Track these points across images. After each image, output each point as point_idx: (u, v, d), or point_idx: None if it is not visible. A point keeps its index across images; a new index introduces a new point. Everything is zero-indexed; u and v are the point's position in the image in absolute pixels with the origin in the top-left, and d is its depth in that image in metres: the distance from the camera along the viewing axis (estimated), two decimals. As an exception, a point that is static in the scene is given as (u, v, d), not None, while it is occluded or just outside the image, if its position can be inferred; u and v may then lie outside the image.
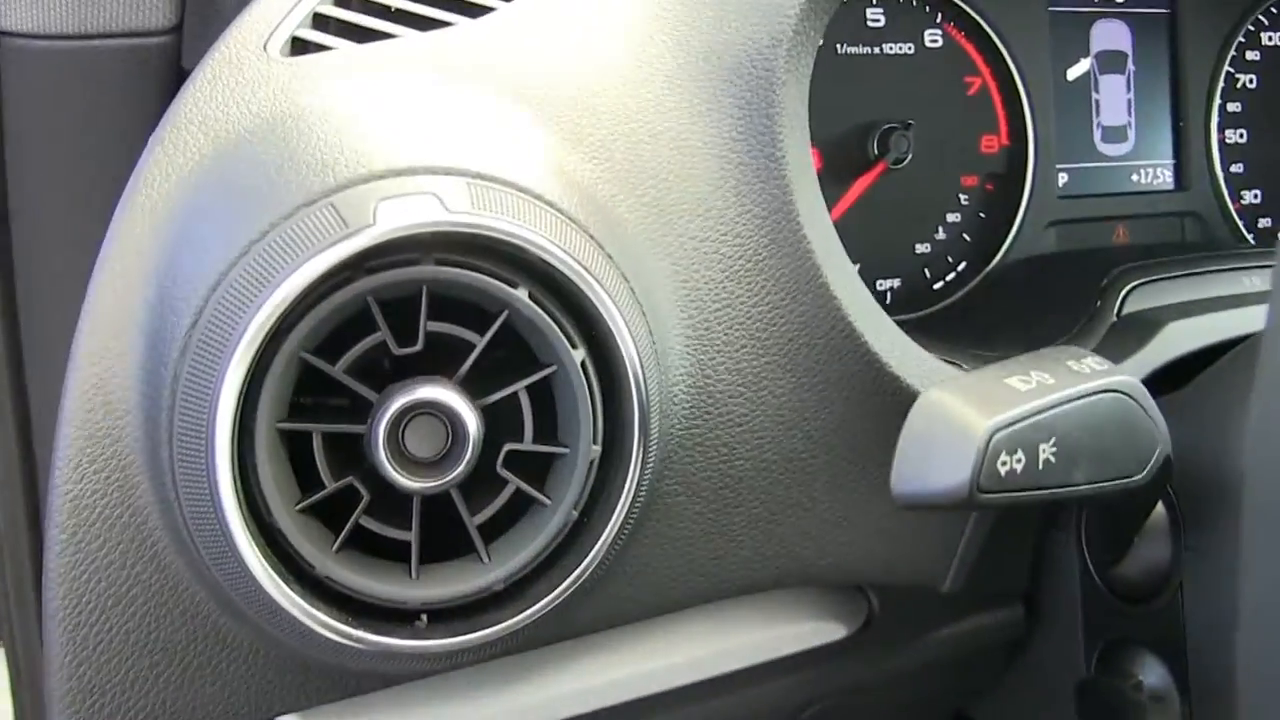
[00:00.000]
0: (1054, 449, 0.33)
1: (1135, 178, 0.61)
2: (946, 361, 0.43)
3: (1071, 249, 0.59)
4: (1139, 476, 0.35)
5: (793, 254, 0.38)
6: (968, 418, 0.32)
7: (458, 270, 0.31)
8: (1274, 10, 0.64)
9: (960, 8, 0.57)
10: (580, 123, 0.38)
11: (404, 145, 0.33)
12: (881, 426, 0.39)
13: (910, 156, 0.54)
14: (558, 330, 0.32)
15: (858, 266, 0.54)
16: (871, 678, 0.47)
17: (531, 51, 0.39)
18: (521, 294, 0.31)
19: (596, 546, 0.33)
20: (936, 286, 0.57)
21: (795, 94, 0.39)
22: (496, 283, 0.31)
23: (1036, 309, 0.53)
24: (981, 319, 0.56)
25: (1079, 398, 0.33)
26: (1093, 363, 0.35)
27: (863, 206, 0.55)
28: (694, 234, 0.38)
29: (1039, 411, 0.33)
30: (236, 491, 0.30)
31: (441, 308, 0.32)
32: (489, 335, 0.31)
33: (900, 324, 0.56)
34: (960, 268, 0.57)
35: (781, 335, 0.38)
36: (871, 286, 0.55)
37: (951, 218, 0.57)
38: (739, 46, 0.39)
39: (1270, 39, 0.64)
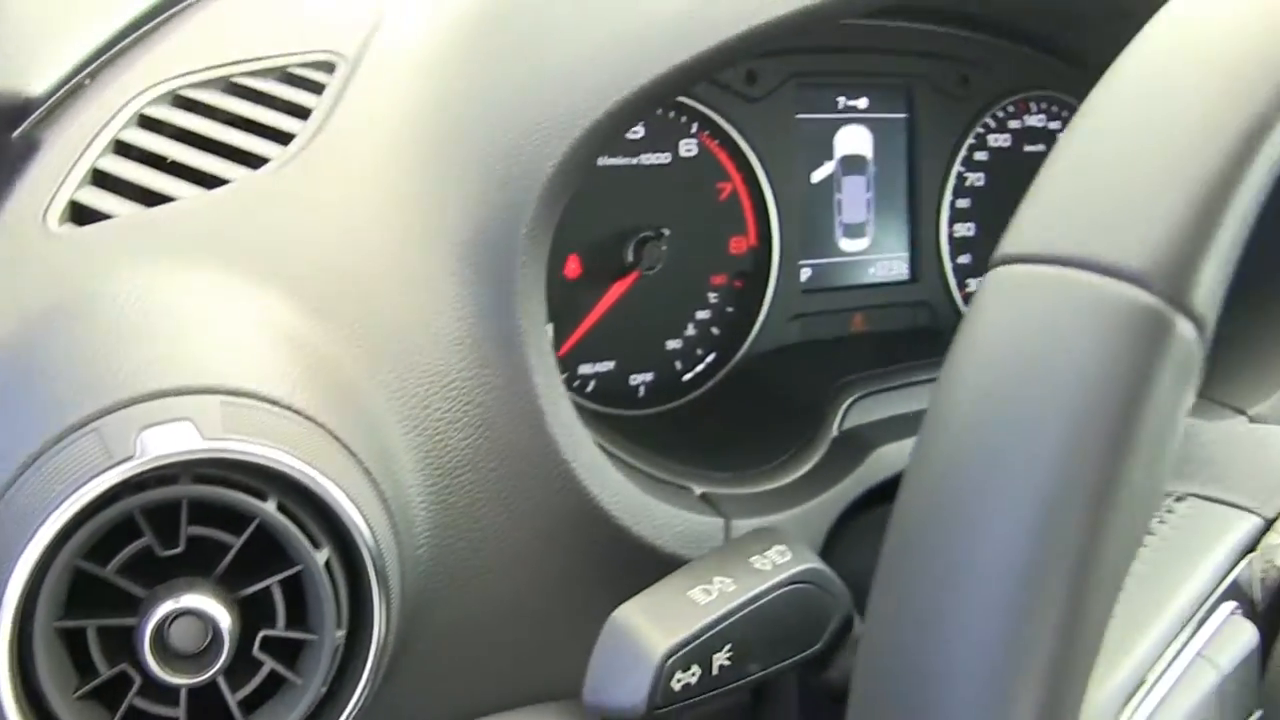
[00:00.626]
0: (728, 655, 0.38)
1: (873, 271, 0.67)
2: (679, 486, 0.48)
3: (814, 338, 0.64)
4: (816, 647, 0.40)
5: (530, 423, 0.42)
6: (647, 641, 0.37)
7: (212, 487, 0.34)
8: (999, 115, 0.70)
9: (713, 119, 0.61)
10: (331, 302, 0.41)
11: (165, 365, 0.36)
12: (611, 574, 0.44)
13: (661, 262, 0.59)
14: (301, 537, 0.35)
15: (613, 364, 0.59)
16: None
17: (289, 227, 0.42)
18: (270, 506, 0.34)
19: (344, 714, 0.37)
20: (686, 379, 0.61)
21: (534, 272, 0.43)
22: (247, 497, 0.34)
23: (773, 411, 0.58)
24: (727, 411, 0.60)
25: (758, 599, 0.38)
26: (775, 555, 0.40)
27: (618, 309, 0.59)
28: (438, 406, 0.41)
29: (716, 624, 0.37)
30: (15, 685, 0.33)
31: (203, 510, 0.35)
32: (243, 539, 0.35)
33: (653, 416, 0.61)
34: (709, 360, 0.62)
35: (518, 495, 0.42)
36: (625, 381, 0.59)
37: (701, 315, 0.62)
38: (483, 228, 0.43)
39: (997, 141, 0.70)
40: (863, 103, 0.65)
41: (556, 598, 0.44)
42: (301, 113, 0.46)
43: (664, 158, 0.60)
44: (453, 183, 0.44)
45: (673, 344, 0.61)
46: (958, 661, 0.26)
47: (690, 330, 0.61)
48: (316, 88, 0.47)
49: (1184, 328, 0.25)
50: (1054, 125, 0.71)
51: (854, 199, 0.66)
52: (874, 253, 0.67)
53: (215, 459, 0.34)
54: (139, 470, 0.33)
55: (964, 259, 0.69)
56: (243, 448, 0.34)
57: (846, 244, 0.66)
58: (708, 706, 0.38)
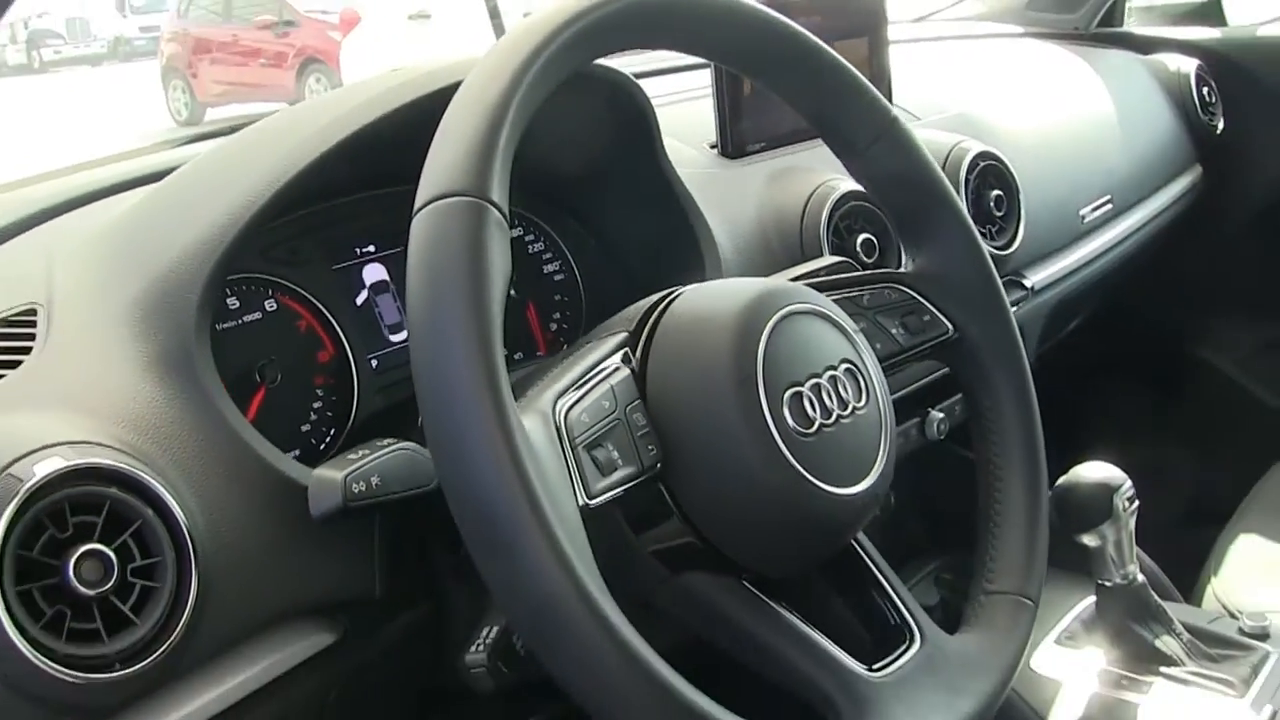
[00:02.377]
0: (378, 479, 0.70)
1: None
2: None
3: (394, 401, 0.96)
4: (430, 485, 0.72)
5: (227, 438, 0.74)
6: (330, 476, 0.70)
7: (81, 486, 0.65)
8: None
9: (278, 281, 0.93)
10: (92, 406, 0.72)
11: (36, 438, 0.66)
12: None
13: (280, 378, 0.90)
14: (138, 502, 0.66)
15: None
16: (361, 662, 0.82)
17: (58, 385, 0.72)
18: (114, 490, 0.66)
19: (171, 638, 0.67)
20: (321, 448, 0.92)
21: (204, 336, 0.77)
22: (100, 487, 0.65)
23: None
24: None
25: (391, 453, 0.71)
26: (404, 443, 0.73)
27: (263, 414, 0.89)
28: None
29: (367, 462, 0.71)
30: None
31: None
32: (104, 513, 0.65)
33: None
34: (332, 433, 0.93)
35: (230, 475, 0.74)
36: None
37: (316, 405, 0.93)
38: (163, 337, 0.76)
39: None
40: (371, 249, 1.00)
41: (278, 534, 0.74)
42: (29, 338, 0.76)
43: (258, 314, 0.91)
44: (136, 324, 0.77)
45: (305, 427, 0.92)
46: (458, 427, 0.61)
47: (313, 417, 0.92)
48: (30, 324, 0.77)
49: (492, 209, 0.61)
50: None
51: (388, 308, 0.99)
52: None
53: (79, 468, 0.63)
54: (39, 482, 0.62)
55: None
56: (93, 459, 0.63)
57: (393, 336, 0.99)
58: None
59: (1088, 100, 1.70)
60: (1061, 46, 1.88)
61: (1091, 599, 1.16)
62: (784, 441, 0.72)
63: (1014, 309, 1.31)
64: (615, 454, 0.70)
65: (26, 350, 0.76)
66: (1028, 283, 1.39)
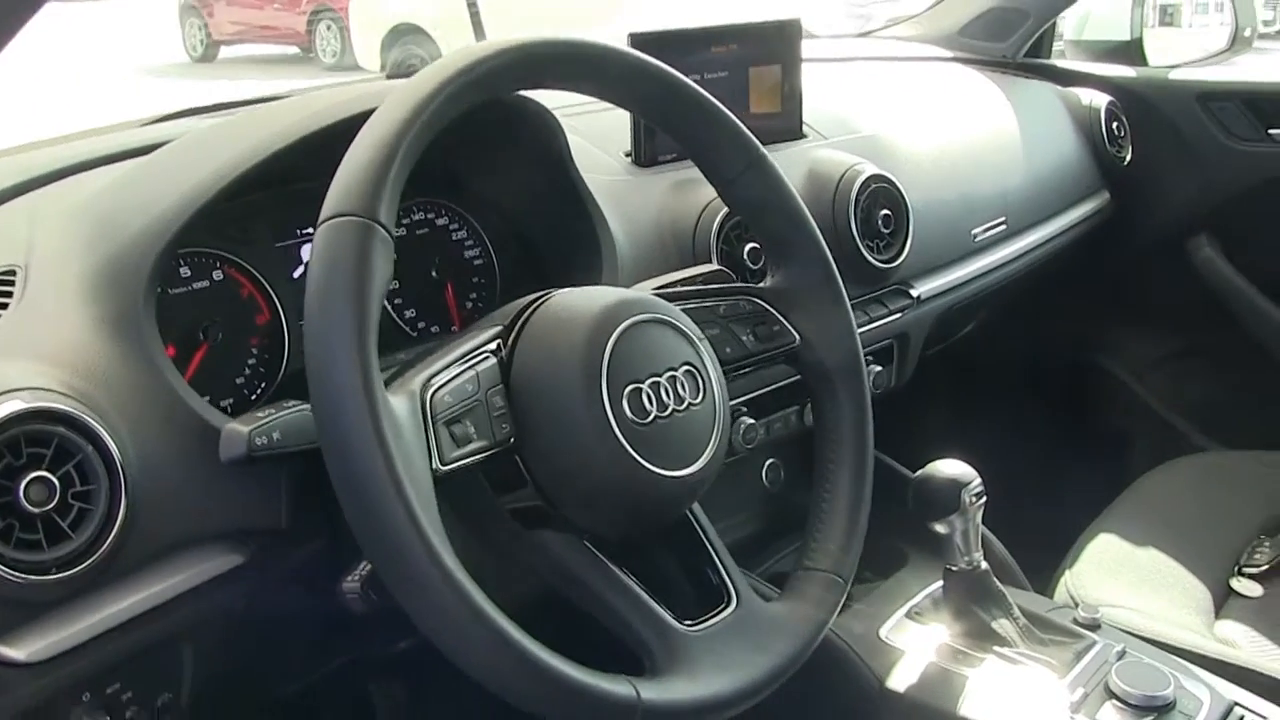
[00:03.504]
0: (279, 434, 0.85)
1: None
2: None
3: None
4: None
5: (163, 390, 0.89)
6: (238, 429, 0.84)
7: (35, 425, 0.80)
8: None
9: (226, 255, 1.07)
10: (54, 358, 0.87)
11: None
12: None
13: (221, 337, 1.05)
14: (77, 437, 0.81)
15: (208, 397, 1.04)
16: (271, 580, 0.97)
17: (27, 336, 0.87)
18: (61, 429, 0.81)
19: (100, 550, 0.82)
20: (252, 398, 1.07)
21: (151, 305, 0.91)
22: (49, 426, 0.80)
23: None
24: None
25: (292, 413, 0.86)
26: (304, 405, 0.87)
27: (203, 367, 1.04)
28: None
29: (271, 420, 0.85)
30: None
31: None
32: (52, 448, 0.80)
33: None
34: (262, 386, 1.08)
35: (159, 415, 0.89)
36: (218, 402, 1.04)
37: (250, 362, 1.07)
38: (118, 291, 0.90)
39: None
40: (310, 230, 1.12)
41: (199, 472, 0.89)
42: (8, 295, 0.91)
43: (206, 283, 1.06)
44: (95, 289, 0.91)
45: (239, 379, 1.06)
46: (334, 402, 0.76)
47: (247, 371, 1.07)
48: (10, 283, 0.92)
49: (378, 228, 0.77)
50: (429, 215, 1.23)
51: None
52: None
53: (35, 410, 0.78)
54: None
55: (397, 300, 1.19)
56: (46, 404, 0.79)
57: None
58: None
59: (998, 126, 1.85)
60: (985, 73, 2.02)
61: (940, 581, 1.31)
62: (620, 429, 0.87)
63: (900, 315, 1.49)
64: (471, 429, 0.85)
65: (4, 306, 0.91)
66: (914, 292, 1.53)
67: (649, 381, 0.90)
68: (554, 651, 0.80)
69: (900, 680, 1.24)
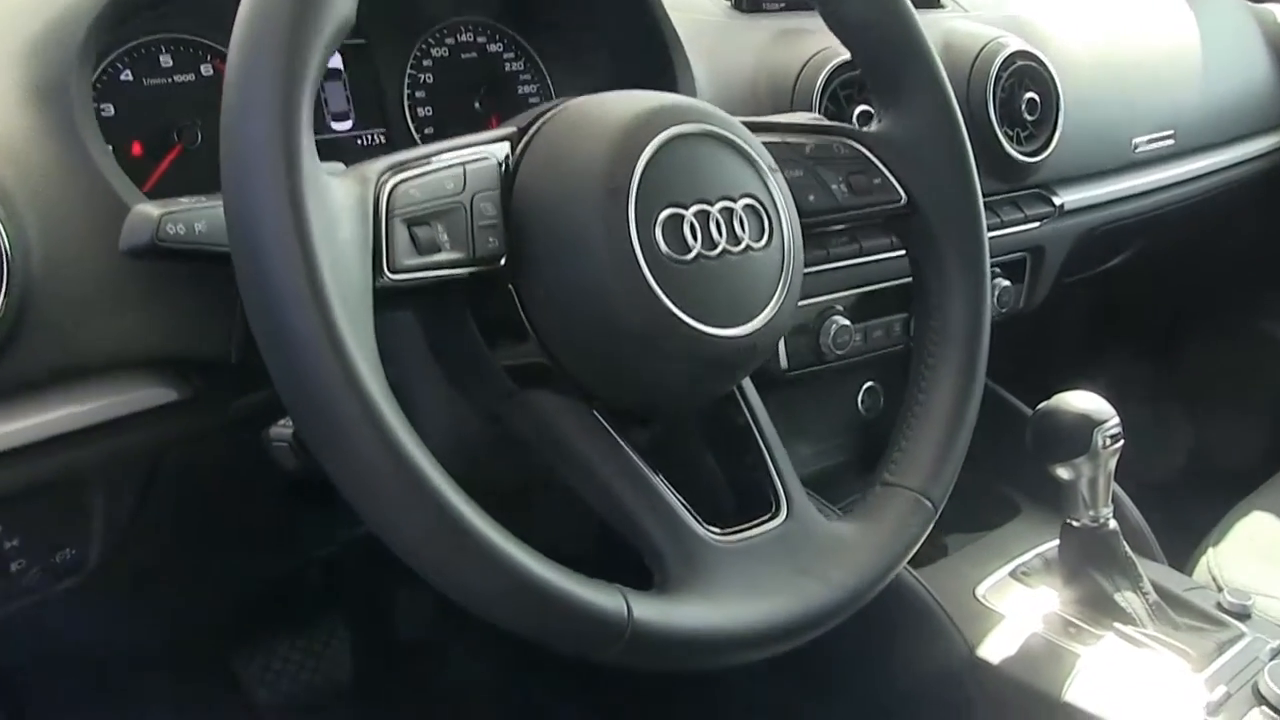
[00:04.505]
0: (203, 226, 0.66)
1: (359, 141, 0.97)
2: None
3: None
4: None
5: (86, 171, 0.71)
6: (147, 212, 0.66)
7: None
8: (438, 33, 1.02)
9: (223, 50, 0.89)
10: None
11: None
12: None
13: (200, 141, 0.87)
14: None
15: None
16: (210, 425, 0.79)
17: None
18: None
19: None
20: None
21: (85, 74, 0.73)
22: None
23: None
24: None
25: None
26: None
27: (171, 174, 0.86)
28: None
29: (195, 208, 0.67)
30: None
31: None
32: None
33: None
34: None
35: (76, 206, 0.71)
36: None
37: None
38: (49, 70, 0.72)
39: (437, 51, 1.02)
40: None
41: (124, 275, 0.72)
42: None
43: (191, 76, 0.88)
44: (25, 58, 0.73)
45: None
46: (243, 173, 0.57)
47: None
48: None
49: None
50: (480, 39, 1.04)
51: (335, 95, 0.95)
52: (357, 129, 0.97)
53: None
54: None
55: (427, 130, 1.00)
56: None
57: (336, 125, 0.95)
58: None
59: (1174, 31, 1.58)
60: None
61: (1057, 540, 1.09)
62: (648, 263, 0.67)
63: (1038, 225, 1.26)
64: (444, 236, 0.65)
65: None
66: (1058, 200, 1.30)
67: (694, 209, 0.69)
68: (522, 543, 0.60)
69: (995, 649, 1.05)
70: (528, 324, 0.69)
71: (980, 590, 1.12)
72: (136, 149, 0.84)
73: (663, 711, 1.34)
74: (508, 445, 0.74)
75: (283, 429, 0.75)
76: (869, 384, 1.33)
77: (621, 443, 0.71)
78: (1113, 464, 1.05)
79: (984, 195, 1.15)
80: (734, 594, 0.68)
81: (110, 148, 0.77)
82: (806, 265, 1.06)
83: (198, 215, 0.67)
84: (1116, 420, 1.04)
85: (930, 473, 0.80)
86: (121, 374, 0.74)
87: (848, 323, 1.12)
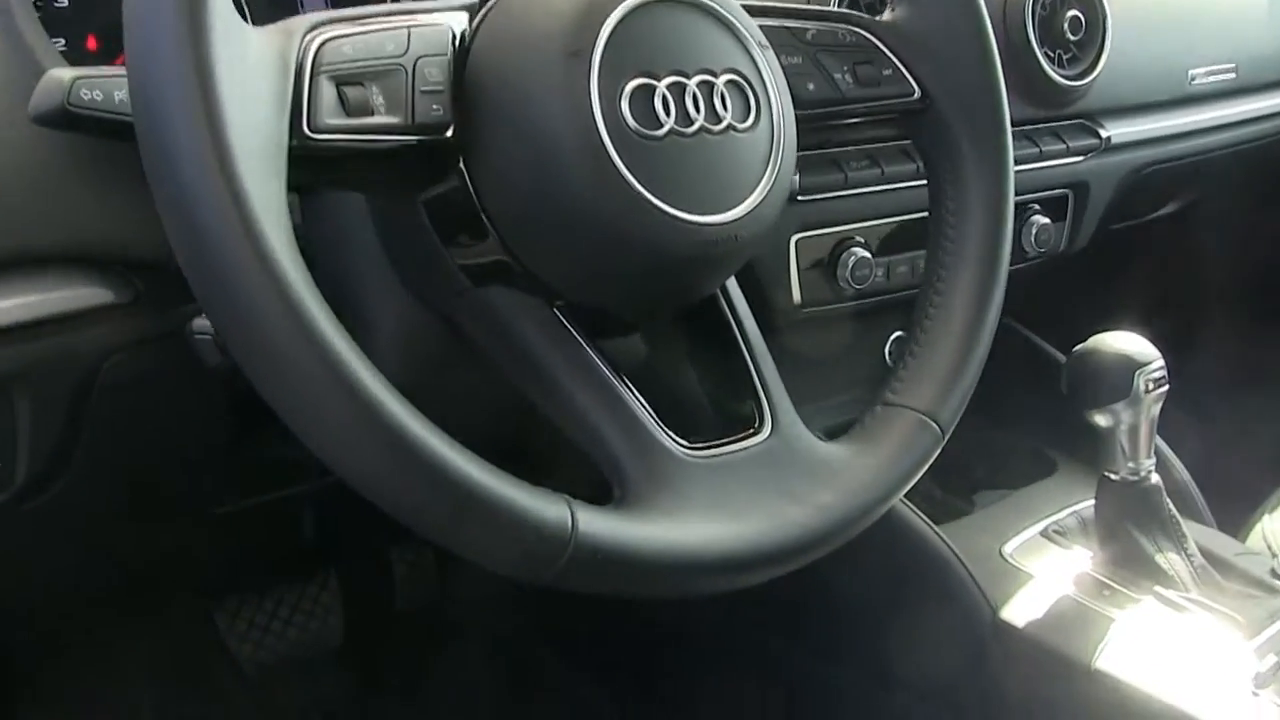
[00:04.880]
0: (122, 96, 0.58)
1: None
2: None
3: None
4: None
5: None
6: (59, 75, 0.58)
7: None
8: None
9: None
10: None
11: None
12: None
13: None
14: None
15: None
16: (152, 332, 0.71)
17: None
18: None
19: None
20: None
21: None
22: None
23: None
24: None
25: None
26: None
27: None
28: None
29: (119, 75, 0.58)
30: None
31: None
32: None
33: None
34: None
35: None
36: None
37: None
38: None
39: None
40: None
41: (53, 160, 0.64)
42: None
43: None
44: None
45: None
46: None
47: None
48: None
49: None
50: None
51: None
52: None
53: None
54: None
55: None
56: None
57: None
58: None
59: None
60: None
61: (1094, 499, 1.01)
62: (612, 137, 0.58)
63: (1081, 159, 1.15)
64: (378, 98, 0.57)
65: None
66: (1104, 133, 1.19)
67: (668, 81, 0.60)
68: (447, 436, 0.51)
69: (1021, 612, 0.97)
70: (481, 211, 0.61)
71: (1008, 549, 1.03)
72: (92, 43, 0.77)
73: (665, 671, 1.26)
74: (465, 353, 0.66)
75: (206, 320, 0.67)
76: (898, 334, 1.21)
77: (584, 344, 0.62)
78: (1156, 410, 0.95)
79: (1021, 123, 1.07)
80: (700, 513, 0.59)
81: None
82: (822, 190, 0.99)
83: (120, 83, 0.58)
84: (1161, 363, 0.95)
85: (938, 393, 0.71)
86: (51, 269, 0.67)
87: (868, 255, 1.03)
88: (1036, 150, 1.12)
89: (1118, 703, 0.89)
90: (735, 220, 0.61)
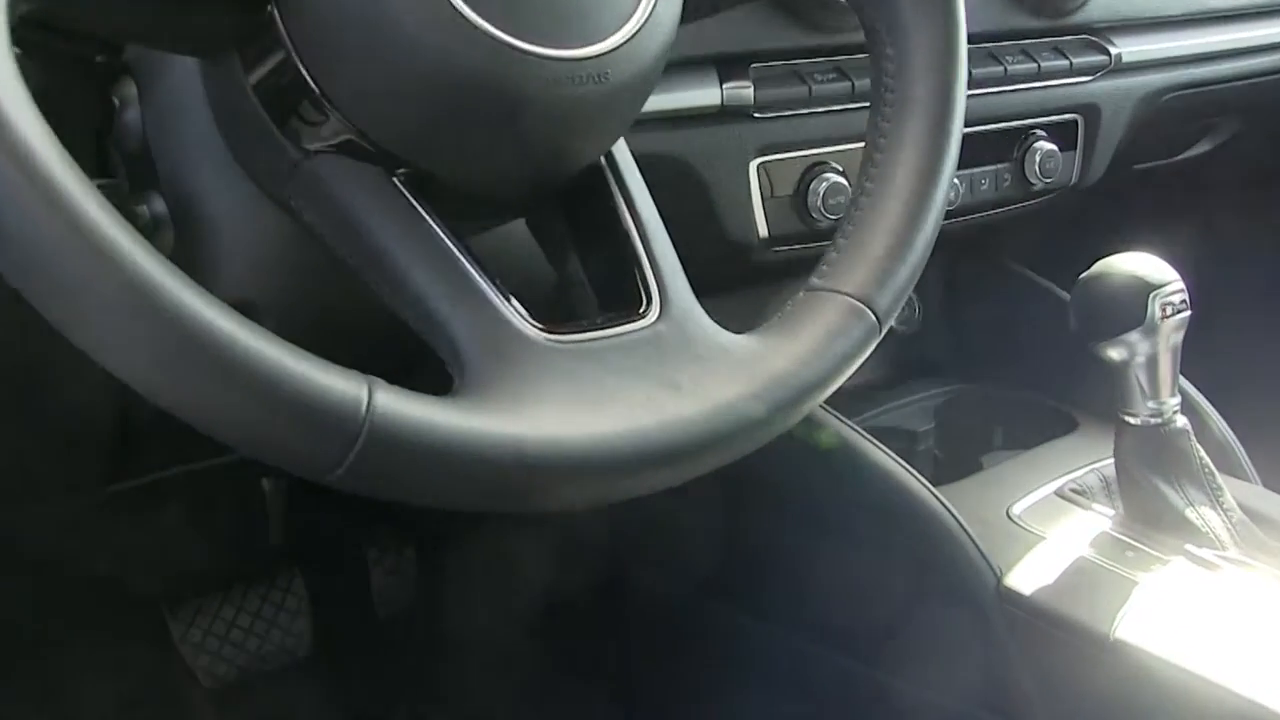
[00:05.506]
0: None
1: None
2: None
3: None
4: None
5: None
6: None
7: None
8: None
9: None
10: None
11: None
12: None
13: None
14: None
15: None
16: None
17: None
18: None
19: None
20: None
21: None
22: None
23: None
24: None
25: None
26: None
27: None
28: None
29: None
30: None
31: None
32: None
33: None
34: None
35: None
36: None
37: None
38: None
39: None
40: None
41: None
42: None
43: None
44: None
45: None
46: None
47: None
48: None
49: None
50: None
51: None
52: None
53: None
54: None
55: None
56: None
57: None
58: None
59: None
60: None
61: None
62: None
63: (1088, 79, 1.02)
64: None
65: None
66: (1113, 50, 1.06)
67: None
68: (218, 302, 0.41)
69: (1028, 579, 0.84)
70: (299, 61, 0.50)
71: (1016, 509, 0.91)
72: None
73: (659, 657, 1.14)
74: (317, 250, 0.55)
75: None
76: None
77: (425, 215, 0.51)
78: (1177, 339, 0.83)
79: (1016, 34, 0.95)
80: (550, 405, 0.47)
81: None
82: (783, 107, 0.87)
83: None
84: (1179, 284, 0.82)
85: (873, 275, 0.58)
86: None
87: (842, 180, 0.91)
88: (1035, 67, 1.00)
89: (1141, 676, 0.76)
90: (601, 55, 0.50)
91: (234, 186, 0.58)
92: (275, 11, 0.50)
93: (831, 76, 0.89)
